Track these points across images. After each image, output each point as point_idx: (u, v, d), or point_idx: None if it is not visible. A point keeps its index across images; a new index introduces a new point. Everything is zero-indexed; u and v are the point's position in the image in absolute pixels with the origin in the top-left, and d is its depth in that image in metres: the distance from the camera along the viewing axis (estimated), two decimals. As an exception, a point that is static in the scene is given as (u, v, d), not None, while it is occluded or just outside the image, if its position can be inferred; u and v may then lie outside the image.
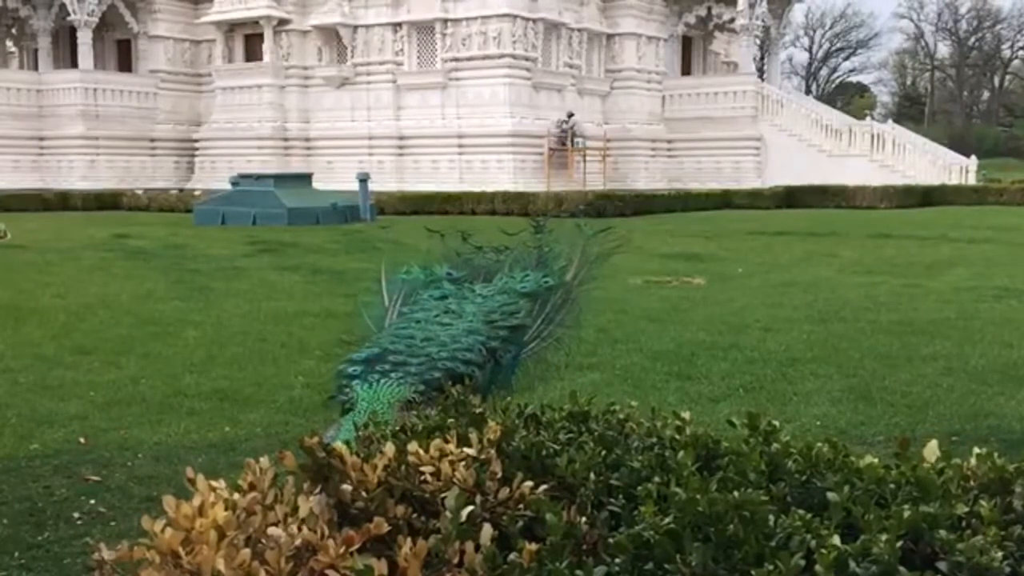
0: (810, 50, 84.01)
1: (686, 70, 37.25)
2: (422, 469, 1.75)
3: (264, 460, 1.73)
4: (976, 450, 1.87)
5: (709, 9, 35.82)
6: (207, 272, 12.41)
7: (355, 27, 32.42)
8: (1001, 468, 1.78)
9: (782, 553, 1.45)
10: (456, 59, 30.95)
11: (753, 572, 1.43)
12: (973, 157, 32.56)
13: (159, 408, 5.63)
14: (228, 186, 23.93)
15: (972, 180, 30.88)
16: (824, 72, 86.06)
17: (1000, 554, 1.47)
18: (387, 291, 3.75)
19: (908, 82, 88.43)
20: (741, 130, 33.54)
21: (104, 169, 33.07)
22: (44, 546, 3.59)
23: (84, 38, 33.58)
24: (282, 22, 33.10)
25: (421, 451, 1.78)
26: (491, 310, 3.44)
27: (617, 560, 1.52)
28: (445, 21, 31.01)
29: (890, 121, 39.79)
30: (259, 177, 23.87)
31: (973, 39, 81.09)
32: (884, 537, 1.46)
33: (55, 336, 7.89)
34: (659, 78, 35.18)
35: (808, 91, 73.97)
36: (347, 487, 1.69)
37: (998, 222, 19.88)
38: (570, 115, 31.38)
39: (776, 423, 1.96)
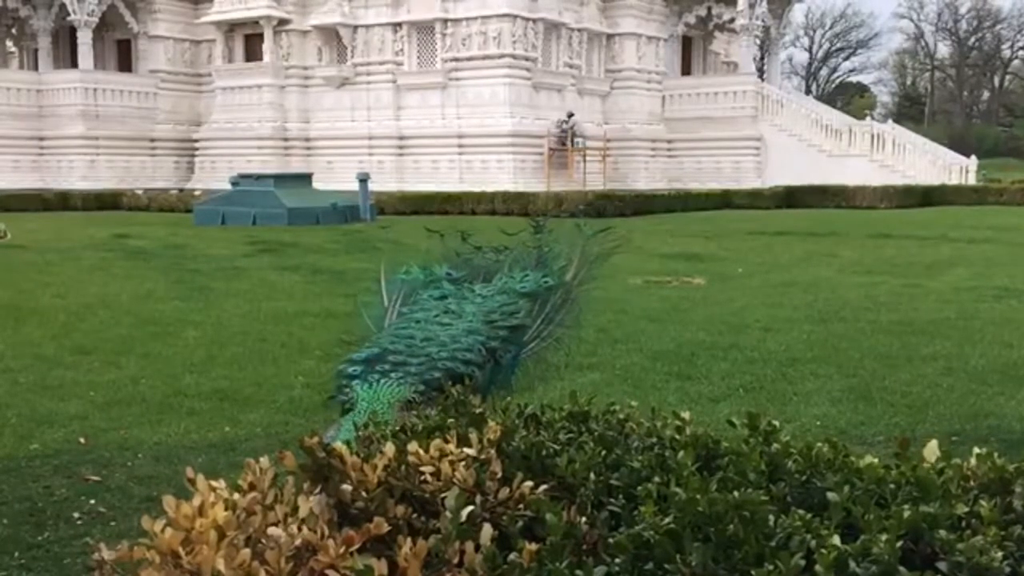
0: (810, 50, 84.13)
1: (686, 70, 37.25)
2: (422, 469, 1.75)
3: (264, 460, 1.73)
4: (976, 450, 1.87)
5: (709, 9, 35.81)
6: (207, 272, 12.41)
7: (355, 27, 32.42)
8: (1001, 468, 1.78)
9: (782, 553, 1.45)
10: (456, 59, 30.94)
11: (753, 572, 1.43)
12: (973, 157, 32.56)
13: (159, 408, 5.63)
14: (228, 186, 23.92)
15: (972, 180, 30.87)
16: (824, 72, 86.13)
17: (1000, 554, 1.47)
18: (387, 291, 3.75)
19: (908, 82, 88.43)
20: (741, 130, 33.54)
21: (104, 169, 33.07)
22: (44, 546, 3.59)
23: (84, 38, 33.58)
24: (282, 22, 33.11)
25: (421, 451, 1.78)
26: (491, 310, 3.44)
27: (617, 560, 1.52)
28: (445, 21, 31.00)
29: (890, 121, 39.78)
30: (259, 177, 23.86)
31: (973, 39, 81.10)
32: (884, 537, 1.46)
33: (55, 336, 7.89)
34: (659, 78, 35.17)
35: (808, 91, 73.95)
36: (347, 487, 1.69)
37: (998, 222, 19.87)
38: (570, 115, 31.37)
39: (776, 423, 1.96)
